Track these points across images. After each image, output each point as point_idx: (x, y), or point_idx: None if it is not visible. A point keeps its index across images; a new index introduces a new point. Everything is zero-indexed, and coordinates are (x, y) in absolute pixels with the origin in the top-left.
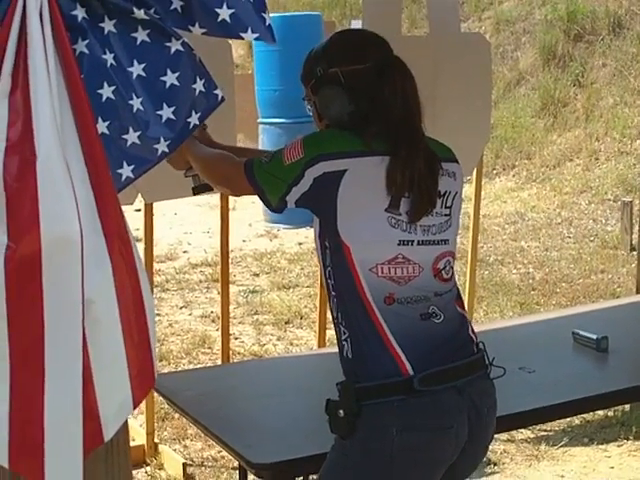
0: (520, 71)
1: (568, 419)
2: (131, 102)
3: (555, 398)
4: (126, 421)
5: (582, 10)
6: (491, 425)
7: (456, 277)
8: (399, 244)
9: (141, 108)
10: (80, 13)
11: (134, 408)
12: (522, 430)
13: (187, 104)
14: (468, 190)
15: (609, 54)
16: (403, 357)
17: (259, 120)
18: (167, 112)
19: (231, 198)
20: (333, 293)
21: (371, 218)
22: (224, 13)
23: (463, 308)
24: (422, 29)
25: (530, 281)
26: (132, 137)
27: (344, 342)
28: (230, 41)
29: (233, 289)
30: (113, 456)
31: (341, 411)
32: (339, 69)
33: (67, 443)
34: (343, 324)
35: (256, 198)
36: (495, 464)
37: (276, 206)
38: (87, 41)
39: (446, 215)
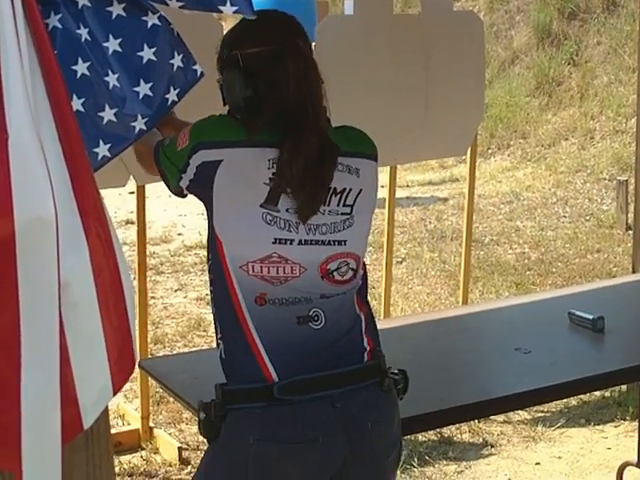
0: (514, 50)
1: (565, 400)
2: (107, 78)
3: (551, 379)
4: (106, 408)
5: None
6: (383, 439)
7: (360, 276)
8: (274, 242)
9: (117, 85)
10: None
11: (114, 394)
12: (519, 411)
13: (165, 80)
14: (463, 170)
15: (603, 32)
16: (268, 362)
17: None
18: (144, 88)
19: None
20: (210, 288)
21: (244, 213)
22: None
23: (365, 311)
24: (416, 8)
25: (526, 261)
26: (108, 115)
27: (219, 341)
28: (223, 22)
29: None
30: (94, 444)
31: (202, 413)
32: (239, 52)
33: (45, 431)
34: (218, 323)
35: None
36: (492, 446)
37: (175, 191)
38: (60, 15)
39: (345, 214)
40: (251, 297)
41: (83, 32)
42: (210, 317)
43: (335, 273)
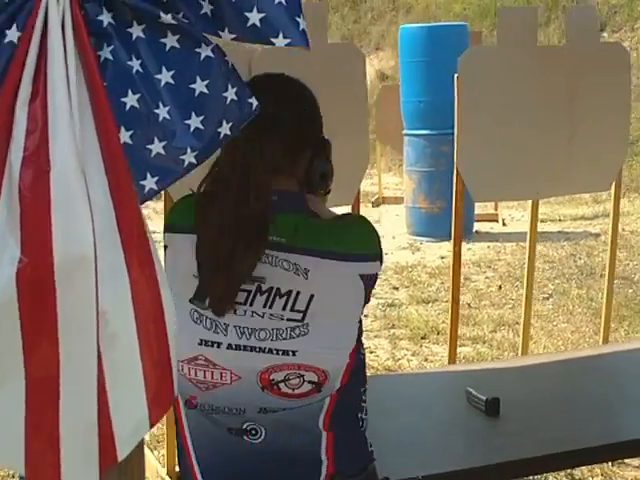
0: None
1: None
2: (157, 111)
3: None
4: (142, 441)
5: None
6: None
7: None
8: (200, 344)
9: (167, 117)
10: (106, 18)
11: (151, 427)
12: None
13: (217, 113)
14: (608, 206)
15: None
16: (197, 470)
17: (404, 132)
18: (195, 121)
19: (377, 210)
20: None
21: (178, 308)
22: (254, 17)
23: (335, 430)
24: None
25: None
26: (157, 147)
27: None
28: (381, 52)
29: (371, 302)
30: (127, 478)
31: None
32: None
33: (83, 463)
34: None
35: (400, 210)
36: None
37: None
38: (112, 47)
39: (293, 320)
40: (184, 398)
41: (135, 64)
42: None
43: (282, 385)
